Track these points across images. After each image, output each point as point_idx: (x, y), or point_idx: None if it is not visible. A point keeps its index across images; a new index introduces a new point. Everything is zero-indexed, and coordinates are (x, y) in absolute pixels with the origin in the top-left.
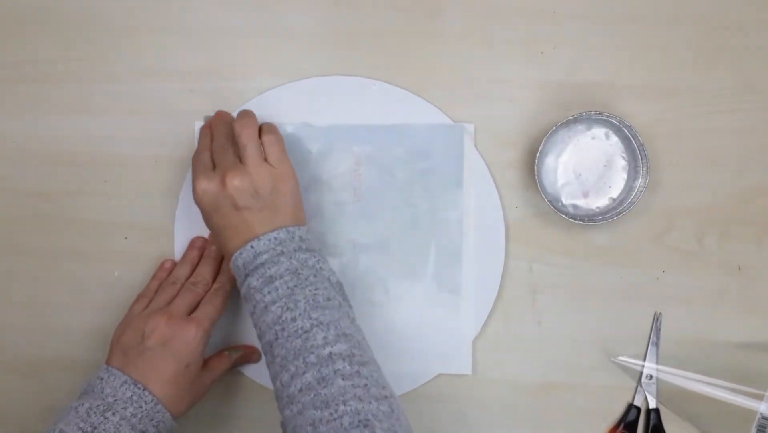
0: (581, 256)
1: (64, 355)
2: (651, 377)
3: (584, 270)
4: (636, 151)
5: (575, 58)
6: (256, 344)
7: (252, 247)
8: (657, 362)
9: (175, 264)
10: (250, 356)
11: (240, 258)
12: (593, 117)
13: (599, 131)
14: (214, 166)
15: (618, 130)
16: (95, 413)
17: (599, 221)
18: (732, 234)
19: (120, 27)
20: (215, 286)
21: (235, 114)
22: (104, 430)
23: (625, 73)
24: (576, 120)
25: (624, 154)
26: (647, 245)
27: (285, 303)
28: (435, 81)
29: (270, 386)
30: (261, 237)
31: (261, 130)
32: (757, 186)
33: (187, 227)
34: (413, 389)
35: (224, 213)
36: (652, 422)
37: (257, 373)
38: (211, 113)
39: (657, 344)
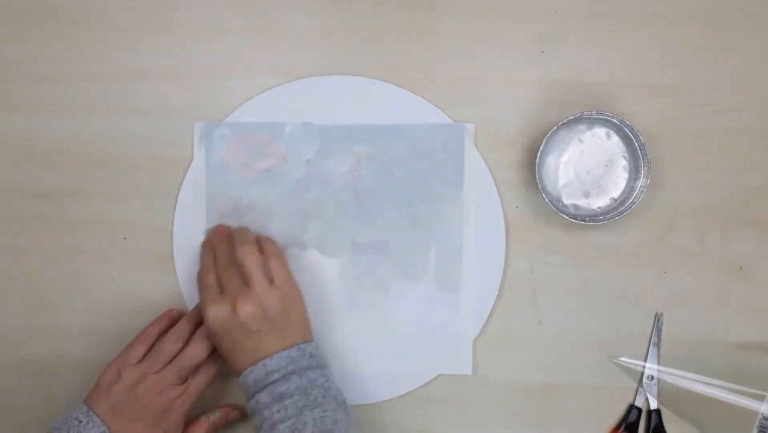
0: (582, 256)
1: (64, 355)
2: (652, 377)
3: (585, 270)
4: (637, 151)
5: (576, 58)
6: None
7: (264, 365)
8: (658, 363)
9: (180, 315)
10: (229, 414)
11: (251, 375)
12: (594, 117)
13: (600, 131)
14: (221, 287)
15: (619, 130)
16: None
17: (600, 221)
18: (733, 234)
19: (119, 27)
20: (215, 354)
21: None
22: None
23: (625, 72)
24: (577, 120)
25: (625, 154)
26: (648, 245)
27: (293, 424)
28: (435, 81)
29: None
30: (273, 356)
31: (263, 250)
32: (757, 186)
33: (186, 227)
34: (413, 389)
35: (235, 337)
36: (653, 423)
37: None
38: (211, 113)
39: (658, 345)
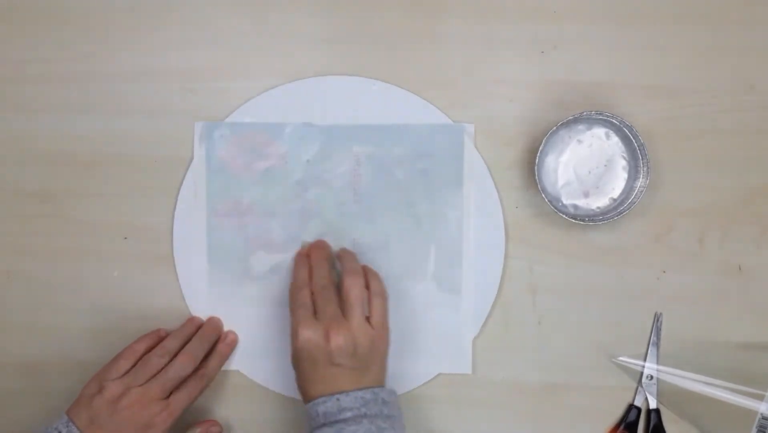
0: (581, 256)
1: (64, 355)
2: (651, 377)
3: (584, 270)
4: (636, 151)
5: (575, 58)
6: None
7: (338, 400)
8: (657, 363)
9: (167, 335)
10: (210, 431)
11: (322, 406)
12: (594, 117)
13: (600, 131)
14: (314, 308)
15: (618, 130)
16: None
17: (599, 221)
18: (732, 234)
19: (120, 26)
20: (200, 372)
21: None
22: None
23: (625, 73)
24: (576, 120)
25: (624, 154)
26: (648, 245)
27: None
28: (435, 81)
29: (270, 386)
30: (349, 393)
31: (368, 284)
32: (757, 186)
33: (187, 227)
34: (413, 389)
35: (318, 364)
36: (652, 423)
37: (257, 373)
38: (211, 113)
39: (657, 345)
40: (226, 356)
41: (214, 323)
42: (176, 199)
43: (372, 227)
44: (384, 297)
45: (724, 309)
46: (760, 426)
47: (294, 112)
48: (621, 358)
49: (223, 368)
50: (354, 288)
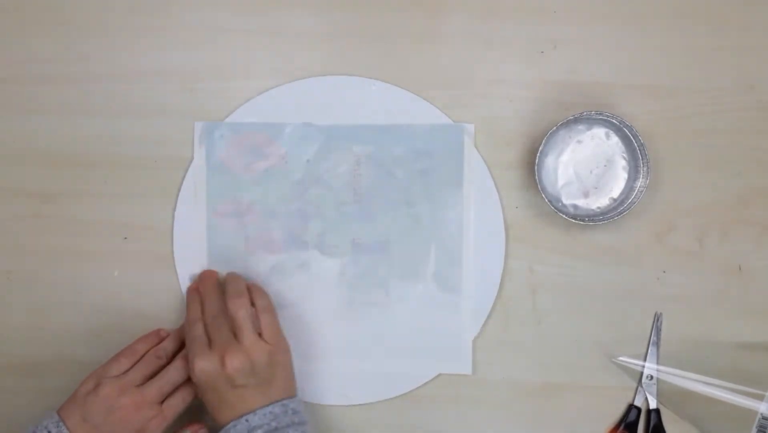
0: (581, 256)
1: (64, 355)
2: (651, 377)
3: (584, 270)
4: (636, 151)
5: (575, 58)
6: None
7: (247, 420)
8: (657, 363)
9: (168, 335)
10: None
11: (233, 430)
12: (593, 117)
13: (599, 131)
14: (209, 339)
15: (618, 130)
16: None
17: (599, 221)
18: (732, 234)
19: (119, 27)
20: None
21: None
22: None
23: (625, 73)
24: (576, 120)
25: (624, 154)
26: (648, 245)
27: None
28: (435, 81)
29: None
30: (257, 411)
31: (254, 301)
32: (757, 186)
33: (187, 227)
34: (413, 389)
35: (221, 391)
36: (652, 423)
37: None
38: (211, 113)
39: (657, 345)
40: None
41: None
42: (176, 200)
43: (372, 227)
44: (270, 310)
45: (724, 309)
46: (760, 426)
47: (294, 113)
48: (621, 358)
49: None
50: (239, 310)
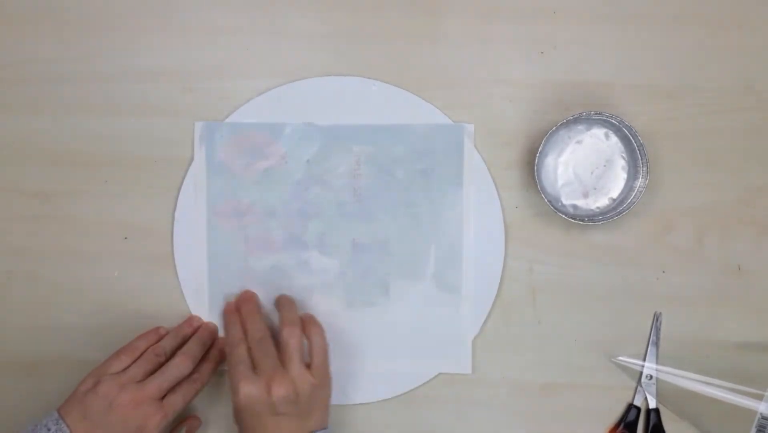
0: (581, 256)
1: (64, 355)
2: (651, 377)
3: (584, 270)
4: (636, 151)
5: (575, 58)
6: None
7: None
8: (657, 362)
9: (167, 333)
10: (192, 425)
11: None
12: (593, 117)
13: (599, 131)
14: (253, 362)
15: (618, 130)
16: None
17: (599, 220)
18: (732, 234)
19: (120, 27)
20: (194, 376)
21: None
22: None
23: (625, 73)
24: (576, 120)
25: (624, 155)
26: (647, 245)
27: None
28: (435, 81)
29: None
30: None
31: (306, 330)
32: (757, 186)
33: (187, 228)
34: (413, 389)
35: (261, 417)
36: (651, 422)
37: None
38: (211, 113)
39: (657, 344)
40: (219, 363)
41: (211, 328)
42: (176, 200)
43: (372, 227)
44: (323, 341)
45: (724, 309)
46: (760, 426)
47: (294, 113)
48: (621, 358)
49: (222, 368)
50: (292, 338)
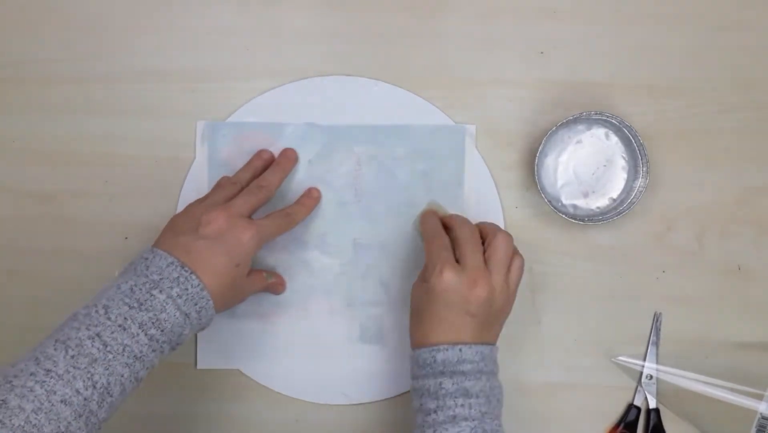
0: (581, 256)
1: None
2: (651, 377)
3: (584, 270)
4: (636, 151)
5: (575, 58)
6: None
7: (461, 351)
8: (657, 362)
9: (272, 156)
10: (278, 286)
11: (441, 354)
12: (593, 117)
13: (599, 131)
14: (455, 256)
15: (618, 130)
16: (140, 290)
17: (599, 221)
18: (732, 234)
19: (120, 27)
20: (287, 210)
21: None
22: (150, 306)
23: (625, 73)
24: (576, 120)
25: (624, 155)
26: (647, 245)
27: (476, 427)
28: (435, 81)
29: (270, 385)
30: (471, 346)
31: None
32: (757, 186)
33: None
34: None
35: (452, 309)
36: (652, 422)
37: (257, 373)
38: (214, 113)
39: (657, 344)
40: (311, 210)
41: (288, 154)
42: (177, 200)
43: (373, 227)
44: (522, 264)
45: (724, 309)
46: (760, 426)
47: (295, 112)
48: (621, 358)
49: (222, 368)
50: (507, 247)
